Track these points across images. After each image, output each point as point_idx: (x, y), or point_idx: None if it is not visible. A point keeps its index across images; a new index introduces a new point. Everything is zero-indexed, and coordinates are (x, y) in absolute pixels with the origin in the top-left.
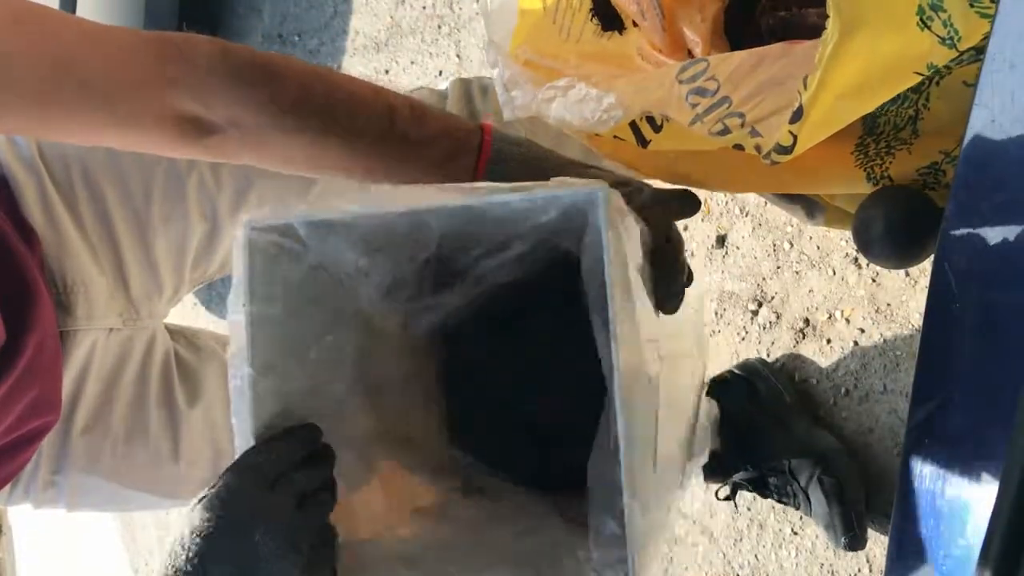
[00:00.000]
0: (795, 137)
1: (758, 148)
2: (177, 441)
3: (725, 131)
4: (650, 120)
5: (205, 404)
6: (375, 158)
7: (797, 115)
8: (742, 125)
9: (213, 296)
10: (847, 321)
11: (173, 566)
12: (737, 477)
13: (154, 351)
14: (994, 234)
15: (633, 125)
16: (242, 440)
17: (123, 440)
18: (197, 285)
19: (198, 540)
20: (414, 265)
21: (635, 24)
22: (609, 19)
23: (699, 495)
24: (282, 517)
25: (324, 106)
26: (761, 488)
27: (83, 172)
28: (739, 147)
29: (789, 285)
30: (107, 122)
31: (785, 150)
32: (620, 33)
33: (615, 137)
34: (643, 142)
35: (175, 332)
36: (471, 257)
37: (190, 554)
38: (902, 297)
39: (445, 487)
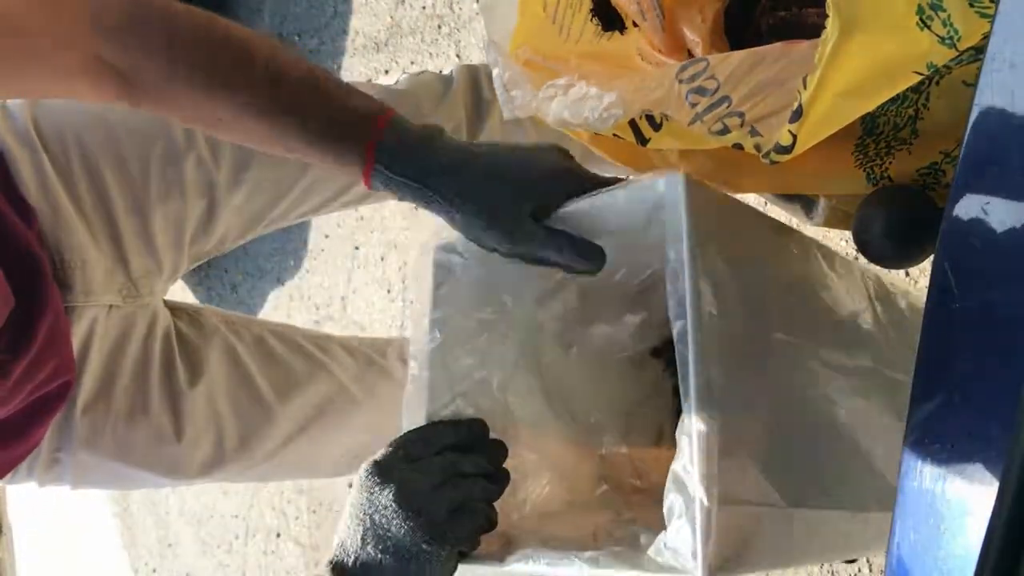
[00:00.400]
0: (795, 137)
1: (757, 147)
2: (179, 420)
3: (725, 130)
4: (649, 119)
5: (207, 383)
6: (260, 116)
7: (796, 115)
8: (741, 124)
9: (213, 296)
10: None
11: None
12: None
13: (155, 329)
14: (994, 234)
15: (632, 124)
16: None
17: (125, 418)
18: (195, 262)
19: (359, 490)
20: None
21: (635, 24)
22: (609, 19)
23: None
24: (414, 487)
25: (213, 56)
26: None
27: (80, 148)
28: (738, 146)
29: None
30: (27, 71)
31: (785, 149)
32: (621, 33)
33: (614, 136)
34: (643, 140)
35: (177, 309)
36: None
37: (356, 499)
38: None
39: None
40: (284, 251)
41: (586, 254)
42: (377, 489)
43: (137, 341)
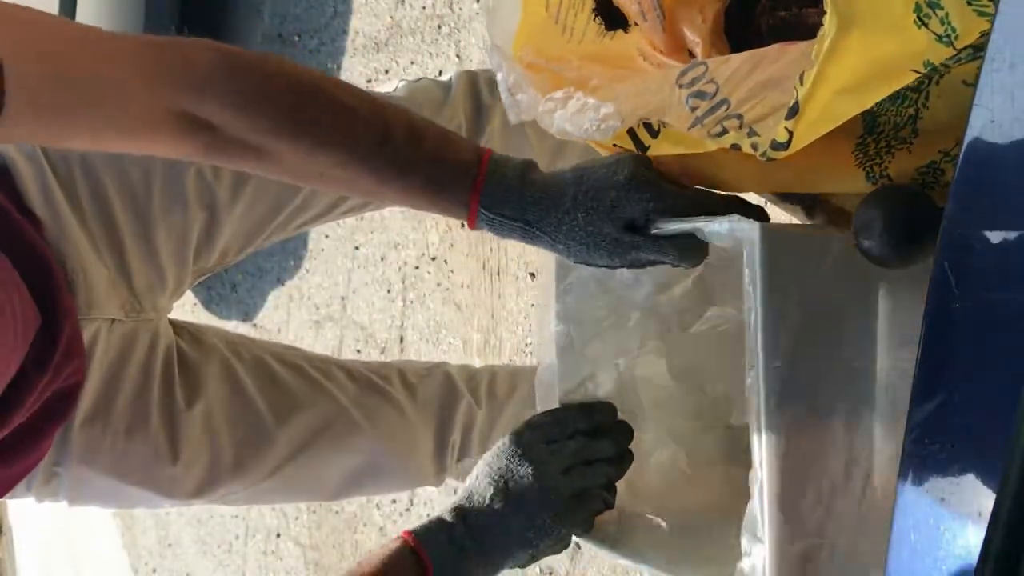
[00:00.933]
0: (791, 133)
1: (754, 147)
2: (175, 441)
3: (723, 132)
4: (647, 126)
5: (204, 403)
6: (364, 174)
7: (793, 111)
8: (740, 126)
9: (213, 296)
10: None
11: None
12: None
13: (157, 347)
14: (994, 234)
15: (631, 132)
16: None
17: (123, 434)
18: (198, 278)
19: (499, 457)
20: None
21: (636, 24)
22: (612, 19)
23: None
24: (549, 469)
25: (318, 117)
26: None
27: (83, 164)
28: (736, 147)
29: None
30: (108, 125)
31: (781, 146)
32: (625, 31)
33: (615, 145)
34: (642, 148)
35: (179, 327)
36: None
37: (494, 463)
38: None
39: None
40: (284, 251)
41: (687, 253)
42: (517, 461)
43: (139, 358)
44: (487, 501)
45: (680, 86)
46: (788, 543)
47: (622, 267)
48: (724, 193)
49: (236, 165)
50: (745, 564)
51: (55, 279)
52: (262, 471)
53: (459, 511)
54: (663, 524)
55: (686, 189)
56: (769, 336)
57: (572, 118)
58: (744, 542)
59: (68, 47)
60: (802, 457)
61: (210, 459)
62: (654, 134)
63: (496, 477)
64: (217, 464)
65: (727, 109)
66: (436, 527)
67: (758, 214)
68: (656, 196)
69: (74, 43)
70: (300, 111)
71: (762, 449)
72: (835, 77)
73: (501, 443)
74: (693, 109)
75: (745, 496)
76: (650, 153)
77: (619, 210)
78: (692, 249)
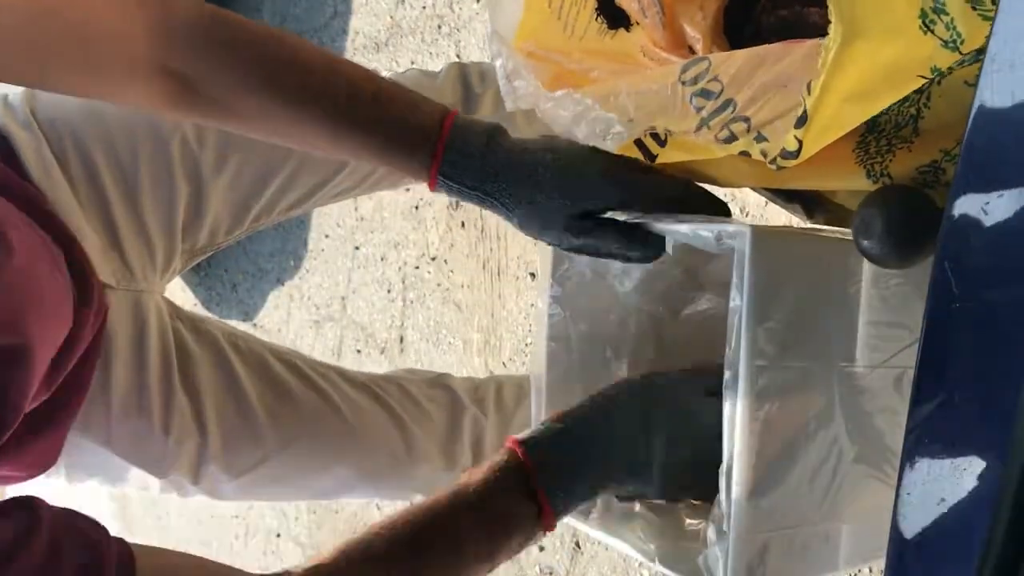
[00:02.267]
0: (800, 142)
1: (764, 154)
2: (169, 414)
3: (731, 137)
4: (654, 136)
5: (196, 388)
6: (331, 134)
7: (802, 120)
8: (748, 130)
9: (213, 296)
10: None
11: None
12: None
13: (149, 318)
14: (994, 234)
15: (638, 142)
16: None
17: (119, 403)
18: (191, 260)
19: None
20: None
21: (637, 23)
22: (614, 17)
23: None
24: (695, 417)
25: (287, 75)
26: None
27: (72, 135)
28: (745, 154)
29: None
30: (90, 70)
31: (791, 155)
32: (627, 30)
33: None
34: (650, 157)
35: (180, 313)
36: None
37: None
38: None
39: None
40: (284, 251)
41: (639, 247)
42: (661, 402)
43: (131, 325)
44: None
45: (683, 83)
46: (751, 534)
47: (570, 251)
48: (701, 189)
49: (203, 119)
50: (709, 554)
51: (80, 248)
52: (250, 460)
53: (564, 420)
54: (637, 505)
55: (663, 180)
56: (751, 338)
57: (576, 121)
58: (710, 534)
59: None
60: (772, 454)
61: (198, 442)
62: (661, 143)
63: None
64: (205, 448)
65: (733, 111)
66: (542, 434)
67: (726, 211)
68: (629, 199)
69: None
70: (270, 65)
71: (734, 446)
72: (842, 85)
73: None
74: (699, 109)
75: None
76: (659, 161)
77: (582, 201)
78: (645, 242)
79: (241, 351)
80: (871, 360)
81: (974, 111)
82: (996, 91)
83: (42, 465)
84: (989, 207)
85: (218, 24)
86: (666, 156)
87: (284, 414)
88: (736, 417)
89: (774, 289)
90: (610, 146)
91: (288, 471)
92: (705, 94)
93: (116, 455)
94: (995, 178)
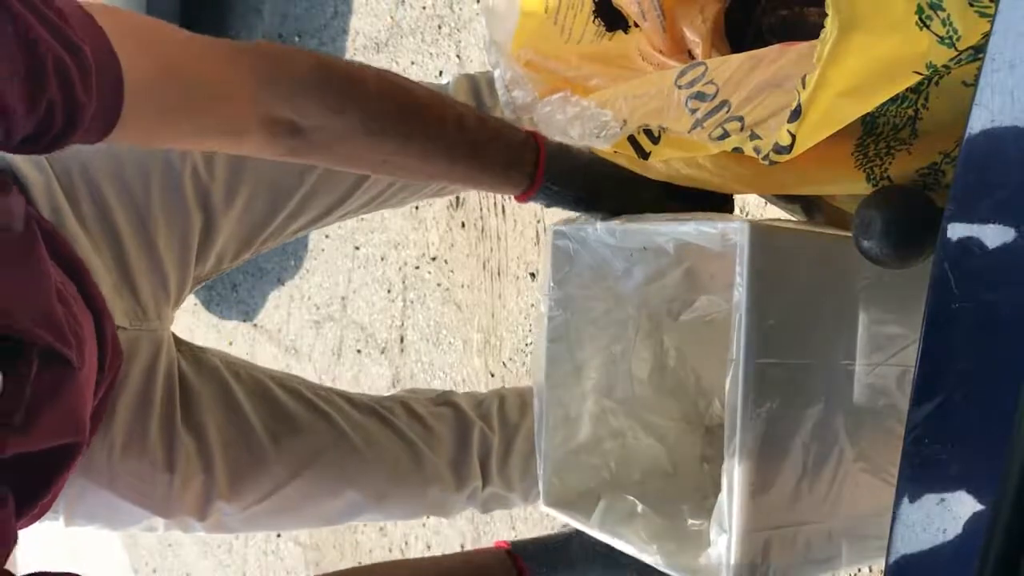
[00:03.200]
0: (793, 137)
1: (757, 150)
2: (172, 454)
3: (725, 135)
4: (647, 132)
5: (200, 422)
6: (446, 162)
7: (795, 114)
8: (741, 128)
9: (213, 296)
10: None
11: None
12: None
13: (160, 359)
14: (994, 234)
15: (631, 139)
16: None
17: (121, 447)
18: (198, 285)
19: None
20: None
21: (636, 25)
22: (611, 20)
23: None
24: None
25: (403, 114)
26: None
27: (82, 170)
28: (738, 150)
29: None
30: (207, 126)
31: (783, 149)
32: (625, 32)
33: (615, 151)
34: (643, 154)
35: (180, 344)
36: None
37: None
38: None
39: None
40: (284, 251)
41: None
42: None
43: (141, 368)
44: None
45: (679, 87)
46: (753, 532)
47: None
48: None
49: (317, 161)
50: (711, 552)
51: (92, 281)
52: (258, 493)
53: None
54: (639, 506)
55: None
56: (752, 335)
57: (571, 123)
58: (712, 532)
59: (178, 50)
60: (774, 452)
61: (204, 480)
62: (655, 140)
63: None
64: (212, 485)
65: (728, 111)
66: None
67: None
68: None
69: (182, 46)
70: (386, 111)
71: (736, 443)
72: (837, 79)
73: None
74: (693, 111)
75: (707, 510)
76: (653, 159)
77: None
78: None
79: (243, 380)
80: (872, 358)
81: (973, 111)
82: (996, 91)
83: (39, 516)
84: (988, 208)
85: (328, 74)
86: (659, 153)
87: (291, 443)
88: (737, 414)
89: (774, 285)
90: (603, 144)
91: (297, 500)
92: (700, 96)
93: (118, 497)
94: (994, 179)
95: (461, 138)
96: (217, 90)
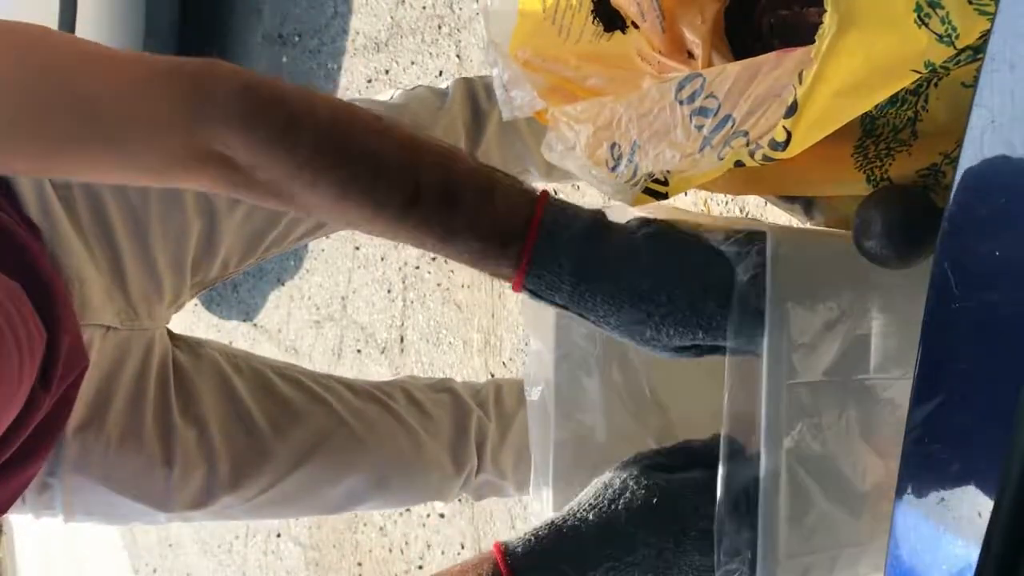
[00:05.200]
0: (789, 133)
1: (751, 153)
2: (170, 451)
3: (730, 150)
4: (657, 181)
5: (200, 415)
6: (398, 230)
7: (791, 109)
8: (747, 144)
9: (213, 296)
10: None
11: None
12: None
13: (152, 356)
14: (994, 234)
15: (648, 191)
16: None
17: (116, 443)
18: (199, 291)
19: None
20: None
21: (635, 25)
22: (610, 20)
23: None
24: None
25: (342, 167)
26: None
27: None
28: (740, 164)
29: None
30: (124, 164)
31: (779, 146)
32: (624, 32)
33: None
34: (662, 197)
35: (177, 338)
36: None
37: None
38: None
39: None
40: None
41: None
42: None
43: (133, 366)
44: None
45: (680, 102)
46: (791, 559)
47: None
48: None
49: (263, 204)
50: None
51: (57, 292)
52: (260, 484)
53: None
54: None
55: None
56: (778, 355)
57: (580, 170)
58: (749, 560)
59: (76, 71)
60: (806, 475)
61: (206, 472)
62: (665, 183)
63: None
64: (214, 477)
65: (732, 127)
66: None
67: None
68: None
69: (79, 65)
70: (322, 157)
71: (767, 466)
72: (834, 78)
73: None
74: (699, 128)
75: None
76: (671, 195)
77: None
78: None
79: (242, 371)
80: (893, 372)
81: (973, 112)
82: (996, 91)
83: None
84: (988, 208)
85: (254, 100)
86: (676, 189)
87: (293, 432)
88: (767, 438)
89: (802, 300)
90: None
91: (300, 488)
92: (703, 112)
93: (116, 493)
94: (995, 179)
95: (414, 212)
96: (129, 124)
